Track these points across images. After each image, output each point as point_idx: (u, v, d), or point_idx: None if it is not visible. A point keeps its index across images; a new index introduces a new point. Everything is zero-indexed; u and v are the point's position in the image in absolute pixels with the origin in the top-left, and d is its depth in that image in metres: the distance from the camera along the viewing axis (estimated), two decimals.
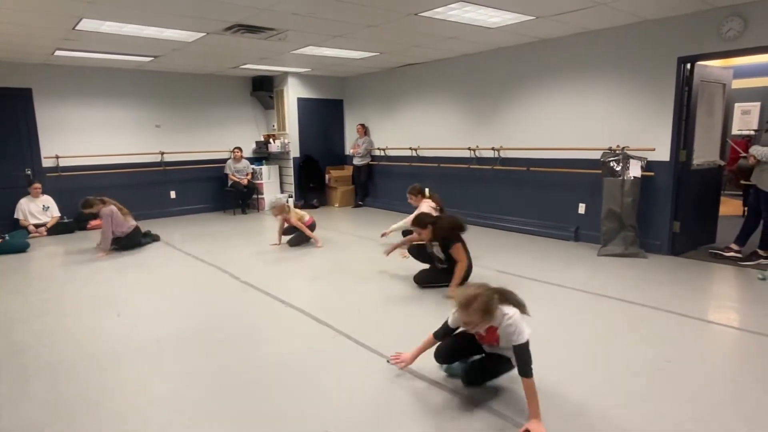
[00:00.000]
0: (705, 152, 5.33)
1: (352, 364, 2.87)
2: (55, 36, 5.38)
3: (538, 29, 5.47)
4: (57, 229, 6.97)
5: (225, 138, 8.98)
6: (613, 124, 5.52)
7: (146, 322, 3.61)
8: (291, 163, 9.08)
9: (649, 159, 5.15)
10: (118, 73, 7.73)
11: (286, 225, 5.95)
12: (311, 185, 9.17)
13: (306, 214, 6.08)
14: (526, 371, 2.17)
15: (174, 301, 4.10)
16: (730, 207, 7.14)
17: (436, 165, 7.74)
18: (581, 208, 5.96)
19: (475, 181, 7.18)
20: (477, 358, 2.58)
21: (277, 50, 6.47)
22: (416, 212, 4.97)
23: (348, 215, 8.48)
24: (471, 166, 7.18)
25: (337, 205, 9.35)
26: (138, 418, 2.34)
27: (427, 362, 2.76)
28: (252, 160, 9.13)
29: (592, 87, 5.68)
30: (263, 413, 2.37)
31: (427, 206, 5.37)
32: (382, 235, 5.62)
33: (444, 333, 2.49)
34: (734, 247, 5.00)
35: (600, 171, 5.36)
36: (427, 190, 5.54)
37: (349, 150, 9.51)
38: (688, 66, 4.96)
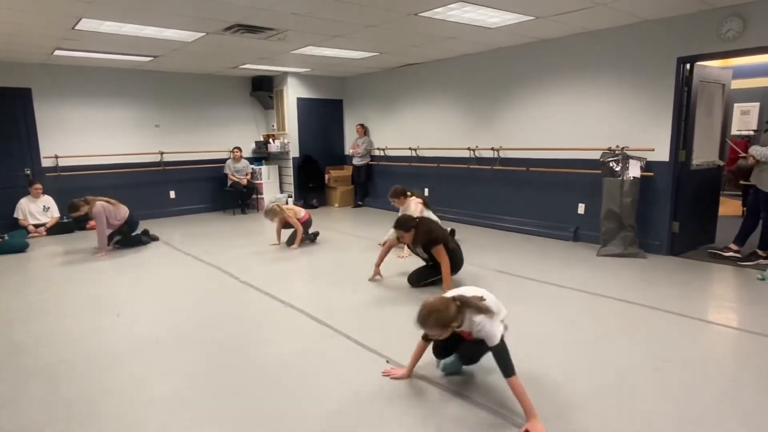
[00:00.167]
0: (704, 152, 5.33)
1: (351, 364, 2.87)
2: (54, 36, 5.38)
3: (537, 29, 5.47)
4: (56, 229, 6.97)
5: (224, 138, 8.98)
6: (612, 124, 5.52)
7: (146, 322, 3.61)
8: (290, 163, 9.08)
9: (649, 159, 5.16)
10: (117, 73, 7.73)
11: (284, 222, 5.94)
12: (311, 185, 9.17)
13: (301, 210, 6.07)
14: (507, 371, 2.20)
15: (173, 301, 4.10)
16: (730, 207, 7.15)
17: (436, 165, 7.74)
18: (581, 208, 5.96)
19: (475, 181, 7.18)
20: (468, 345, 2.55)
21: (277, 50, 6.47)
22: (402, 212, 5.00)
23: (347, 215, 8.48)
24: (470, 166, 7.18)
25: (336, 205, 9.35)
26: (137, 418, 2.35)
27: (426, 362, 2.77)
28: (251, 160, 9.13)
29: (591, 87, 5.69)
30: (262, 413, 2.38)
31: (414, 204, 5.39)
32: (381, 245, 5.62)
33: (434, 344, 2.57)
34: (733, 247, 5.01)
35: (599, 171, 5.36)
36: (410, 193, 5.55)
37: (348, 150, 9.51)
38: (688, 66, 4.96)
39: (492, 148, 6.82)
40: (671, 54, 4.97)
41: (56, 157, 7.33)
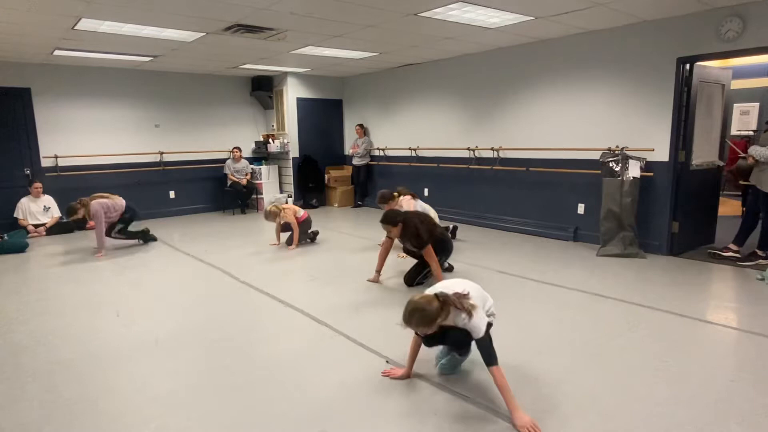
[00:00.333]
0: (704, 153, 5.33)
1: (350, 364, 2.87)
2: (54, 36, 5.38)
3: (537, 30, 5.47)
4: (56, 229, 6.97)
5: (224, 138, 8.98)
6: (612, 124, 5.52)
7: (145, 321, 3.61)
8: (290, 163, 9.08)
9: (648, 159, 5.16)
10: (117, 72, 7.73)
11: (284, 222, 5.94)
12: (310, 185, 9.17)
13: (300, 209, 6.07)
14: (489, 361, 2.28)
15: (173, 301, 4.10)
16: (729, 207, 7.15)
17: (436, 165, 7.74)
18: (580, 209, 5.97)
19: (475, 181, 7.18)
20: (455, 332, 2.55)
21: (277, 50, 6.47)
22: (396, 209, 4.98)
23: (347, 215, 8.48)
24: (470, 167, 7.18)
25: (336, 205, 9.35)
26: (137, 418, 2.35)
27: (425, 363, 2.77)
28: (251, 160, 9.13)
29: (591, 87, 5.69)
30: (262, 413, 2.37)
31: (406, 203, 5.39)
32: (380, 245, 5.63)
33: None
34: (733, 247, 5.01)
35: (599, 171, 5.36)
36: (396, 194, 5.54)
37: (348, 150, 9.51)
38: (687, 66, 4.96)
39: (492, 148, 6.82)
40: (671, 54, 4.98)
41: (56, 157, 7.33)
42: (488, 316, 2.53)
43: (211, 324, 3.56)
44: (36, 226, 6.85)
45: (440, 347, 2.79)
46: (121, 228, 5.95)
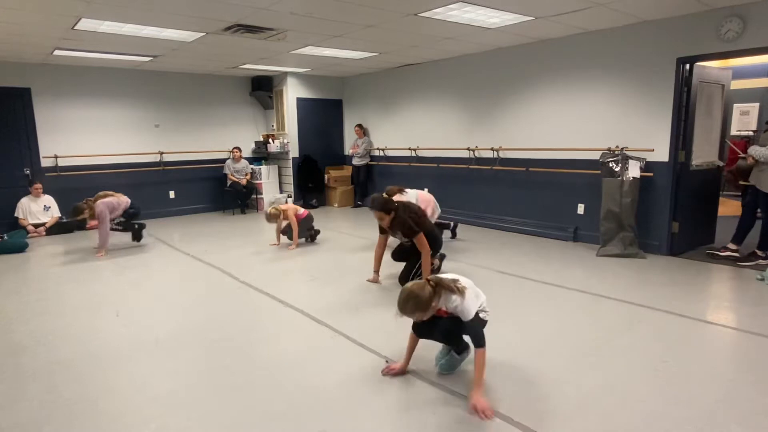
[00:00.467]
0: (704, 153, 5.33)
1: (350, 364, 2.87)
2: (54, 35, 5.37)
3: (537, 30, 5.47)
4: (56, 229, 6.96)
5: (224, 138, 8.98)
6: (612, 124, 5.52)
7: (145, 321, 3.61)
8: (290, 163, 9.08)
9: (648, 159, 5.16)
10: (117, 72, 7.73)
11: (285, 223, 5.94)
12: (310, 185, 9.17)
13: (301, 208, 6.07)
14: (478, 342, 2.40)
15: (173, 301, 4.10)
16: (729, 208, 7.15)
17: (436, 165, 7.74)
18: (580, 209, 5.97)
19: (475, 181, 7.18)
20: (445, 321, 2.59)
21: (277, 50, 6.47)
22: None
23: (347, 215, 8.48)
24: (470, 167, 7.18)
25: (336, 205, 9.35)
26: (137, 418, 2.35)
27: (424, 363, 2.77)
28: (251, 160, 9.13)
29: (591, 87, 5.69)
30: (261, 413, 2.37)
31: (398, 198, 5.37)
32: None
33: (416, 324, 2.66)
34: (731, 246, 5.01)
35: (599, 171, 5.36)
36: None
37: (348, 150, 9.51)
38: (687, 67, 4.96)
39: (492, 149, 6.82)
40: (671, 54, 4.98)
41: (56, 157, 7.33)
42: (482, 311, 2.58)
43: (211, 324, 3.56)
44: (36, 225, 6.85)
45: (440, 348, 2.81)
46: (120, 221, 5.95)
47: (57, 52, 6.27)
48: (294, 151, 9.05)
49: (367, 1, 4.34)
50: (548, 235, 6.25)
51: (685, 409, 2.34)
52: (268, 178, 9.08)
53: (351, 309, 3.80)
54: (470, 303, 2.43)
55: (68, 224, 7.08)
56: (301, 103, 8.99)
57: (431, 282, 2.41)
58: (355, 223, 7.72)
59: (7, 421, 2.33)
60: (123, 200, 5.94)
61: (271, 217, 5.81)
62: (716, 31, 4.64)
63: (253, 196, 9.02)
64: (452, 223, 6.29)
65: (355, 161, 9.09)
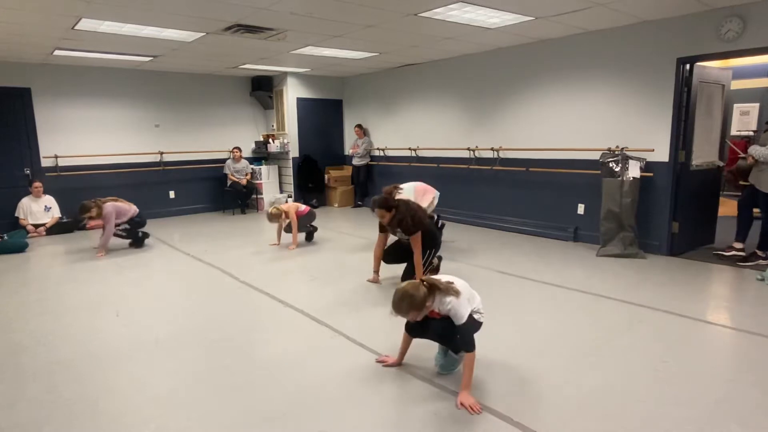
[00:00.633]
0: (704, 153, 5.33)
1: (350, 364, 2.87)
2: (54, 35, 5.37)
3: (537, 30, 5.47)
4: (56, 229, 6.96)
5: (224, 138, 8.98)
6: (612, 124, 5.52)
7: (145, 321, 3.61)
8: (290, 163, 9.08)
9: (648, 160, 5.16)
10: (117, 72, 7.73)
11: (287, 222, 5.94)
12: (310, 185, 9.17)
13: (302, 205, 6.07)
14: (467, 347, 2.44)
15: (173, 301, 4.10)
16: (729, 207, 7.13)
17: (436, 165, 7.74)
18: (580, 209, 5.97)
19: (475, 181, 7.18)
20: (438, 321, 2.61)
21: (277, 50, 6.47)
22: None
23: (347, 215, 8.48)
24: (470, 167, 7.18)
25: (336, 205, 9.35)
26: (137, 418, 2.35)
27: (423, 363, 2.77)
28: (251, 160, 9.13)
29: (591, 87, 5.69)
30: (261, 413, 2.37)
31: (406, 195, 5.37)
32: None
33: (409, 323, 2.70)
34: (736, 245, 4.98)
35: (599, 171, 5.36)
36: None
37: (348, 150, 9.51)
38: (688, 67, 4.96)
39: (492, 149, 6.82)
40: (671, 54, 4.98)
41: (56, 156, 7.33)
42: (476, 312, 2.60)
43: (211, 324, 3.56)
44: (36, 226, 6.85)
45: (438, 349, 2.81)
46: (126, 228, 5.95)
47: (57, 52, 6.28)
48: (294, 151, 9.05)
49: (367, 1, 4.34)
50: (548, 235, 6.25)
51: (685, 409, 2.34)
52: (268, 178, 9.08)
53: (351, 309, 3.80)
54: (463, 306, 2.45)
55: (68, 224, 7.09)
56: (301, 103, 8.99)
57: (426, 282, 2.44)
58: (355, 223, 7.73)
59: (7, 421, 2.33)
60: (132, 208, 6.00)
61: (273, 217, 5.82)
62: (716, 31, 4.64)
63: (253, 196, 9.02)
64: (440, 222, 6.19)
65: (355, 161, 9.09)
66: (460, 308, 2.43)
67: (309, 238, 6.21)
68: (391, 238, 4.49)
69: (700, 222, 5.51)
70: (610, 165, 5.22)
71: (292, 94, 8.85)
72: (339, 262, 5.29)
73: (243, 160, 8.79)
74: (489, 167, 6.91)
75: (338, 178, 9.40)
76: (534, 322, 3.48)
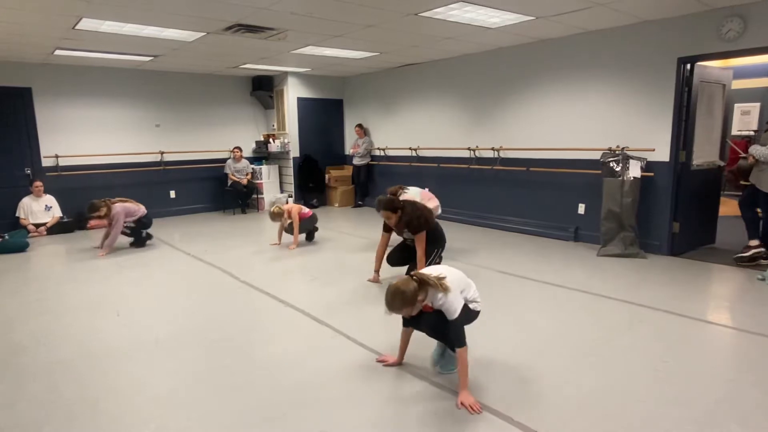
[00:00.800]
0: (704, 153, 5.33)
1: (350, 364, 2.87)
2: (54, 35, 5.38)
3: (537, 30, 5.46)
4: (56, 229, 6.97)
5: (225, 138, 8.98)
6: (612, 124, 5.52)
7: (145, 321, 3.61)
8: (291, 163, 9.08)
9: (649, 159, 5.15)
10: (117, 72, 7.73)
11: (288, 222, 5.94)
12: (311, 185, 9.17)
13: (305, 207, 6.09)
14: (458, 343, 2.44)
15: (173, 301, 4.10)
16: (730, 207, 7.13)
17: (436, 165, 7.74)
18: (581, 209, 5.96)
19: (475, 181, 7.18)
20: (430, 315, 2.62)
21: (277, 50, 6.47)
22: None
23: (348, 215, 8.48)
24: (471, 166, 7.18)
25: (336, 204, 9.35)
26: (137, 418, 2.35)
27: (423, 362, 2.77)
28: (252, 160, 9.13)
29: (591, 87, 5.68)
30: (261, 413, 2.37)
31: (410, 196, 5.37)
32: None
33: (405, 319, 2.71)
34: (752, 243, 4.87)
35: (600, 171, 5.36)
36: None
37: (348, 150, 9.51)
38: (688, 66, 4.96)
39: (492, 148, 6.81)
40: (672, 54, 4.97)
41: (56, 156, 7.33)
42: (472, 302, 2.61)
43: (211, 324, 3.56)
44: (37, 225, 6.86)
45: (435, 349, 2.81)
46: (131, 226, 5.96)
47: (58, 52, 6.28)
48: (294, 151, 9.05)
49: (368, 1, 4.33)
50: (549, 235, 6.24)
51: (685, 409, 2.34)
52: (268, 177, 9.08)
53: (352, 309, 3.79)
54: (456, 301, 2.46)
55: (69, 224, 7.09)
56: (302, 102, 8.99)
57: (415, 277, 2.45)
58: (356, 222, 7.72)
59: (7, 421, 2.33)
60: (141, 209, 6.02)
61: (275, 216, 5.83)
62: (717, 31, 4.63)
63: (254, 196, 9.02)
64: None
65: (356, 161, 9.09)
66: (452, 304, 2.44)
67: (310, 237, 6.21)
68: (394, 239, 4.49)
69: (700, 222, 5.50)
70: (611, 165, 5.21)
71: (292, 93, 8.85)
72: (339, 261, 5.29)
73: (243, 160, 8.79)
74: (489, 167, 6.91)
75: (339, 177, 9.40)
76: (534, 322, 3.48)
